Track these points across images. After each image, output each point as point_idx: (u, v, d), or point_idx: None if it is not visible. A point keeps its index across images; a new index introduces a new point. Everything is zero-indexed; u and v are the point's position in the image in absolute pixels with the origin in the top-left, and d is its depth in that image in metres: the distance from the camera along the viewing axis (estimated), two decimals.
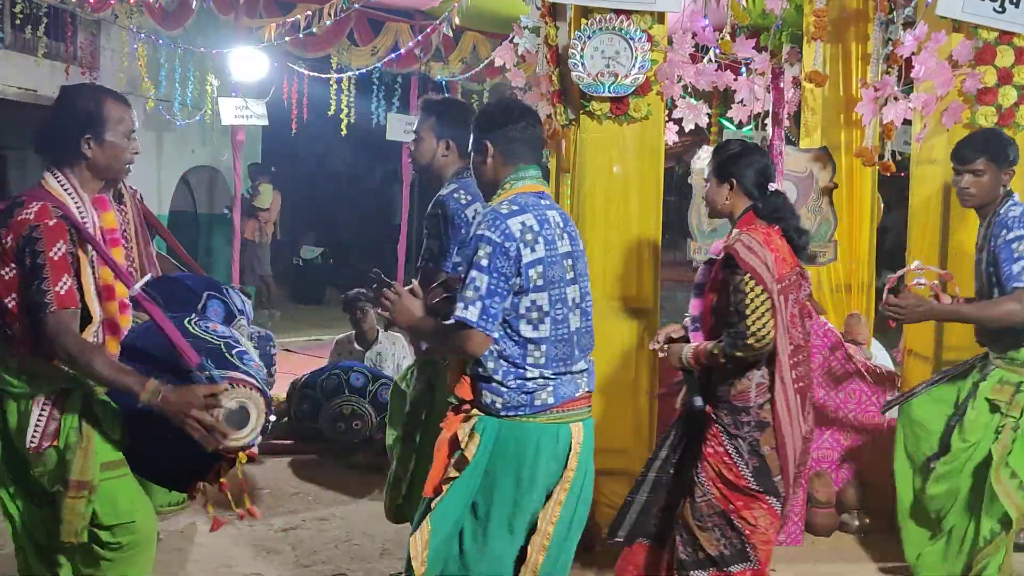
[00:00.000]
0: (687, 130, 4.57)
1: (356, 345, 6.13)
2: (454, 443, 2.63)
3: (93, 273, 2.57)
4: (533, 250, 2.57)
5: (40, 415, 2.54)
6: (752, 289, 2.98)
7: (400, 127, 10.60)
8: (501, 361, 2.59)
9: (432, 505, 2.61)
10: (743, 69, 5.15)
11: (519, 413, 2.59)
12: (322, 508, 4.78)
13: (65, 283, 2.45)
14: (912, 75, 4.20)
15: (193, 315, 2.73)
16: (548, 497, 2.66)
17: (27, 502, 2.69)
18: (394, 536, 4.36)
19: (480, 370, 2.61)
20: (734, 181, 3.20)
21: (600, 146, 4.17)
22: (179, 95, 9.79)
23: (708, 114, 4.61)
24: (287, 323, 11.06)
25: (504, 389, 2.58)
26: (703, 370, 3.18)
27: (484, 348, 2.54)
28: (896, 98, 4.20)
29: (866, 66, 4.42)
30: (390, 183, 15.04)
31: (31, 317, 2.47)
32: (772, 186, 3.26)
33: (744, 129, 6.01)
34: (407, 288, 2.74)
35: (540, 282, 2.58)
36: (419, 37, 8.73)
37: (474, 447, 2.58)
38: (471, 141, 2.79)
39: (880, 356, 4.90)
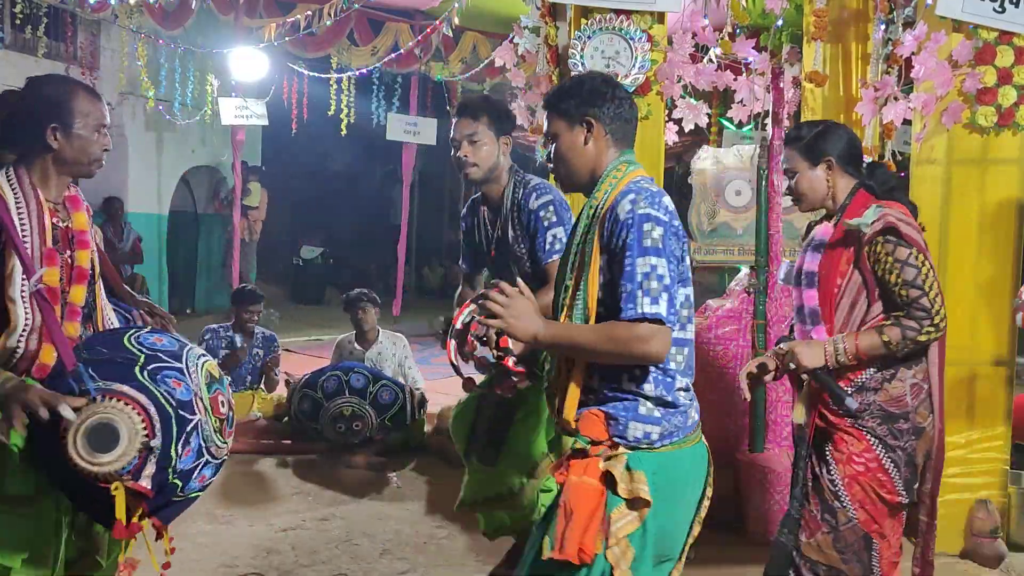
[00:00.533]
0: (687, 130, 4.57)
1: (356, 345, 6.13)
2: (610, 486, 2.12)
3: (23, 274, 2.33)
4: (680, 238, 2.19)
5: None
6: (924, 263, 2.67)
7: (400, 127, 10.62)
8: (656, 371, 2.15)
9: (619, 565, 2.09)
10: (743, 69, 5.15)
11: (674, 440, 2.16)
12: (322, 508, 4.77)
13: None
14: (912, 75, 4.20)
15: (144, 329, 2.49)
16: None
17: None
18: (394, 536, 4.37)
19: (618, 393, 2.15)
20: (831, 159, 2.86)
21: None
22: (179, 95, 9.80)
23: (708, 114, 4.61)
24: (287, 323, 11.06)
25: (658, 415, 2.14)
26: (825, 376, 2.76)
27: (667, 349, 2.09)
28: (896, 98, 4.20)
29: (866, 66, 4.42)
30: (390, 183, 15.05)
31: None
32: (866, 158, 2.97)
33: (744, 129, 6.01)
34: (515, 288, 2.16)
35: (687, 273, 2.20)
36: (419, 37, 8.74)
37: (645, 486, 2.09)
38: (559, 116, 2.30)
39: None
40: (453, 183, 16.87)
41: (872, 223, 2.72)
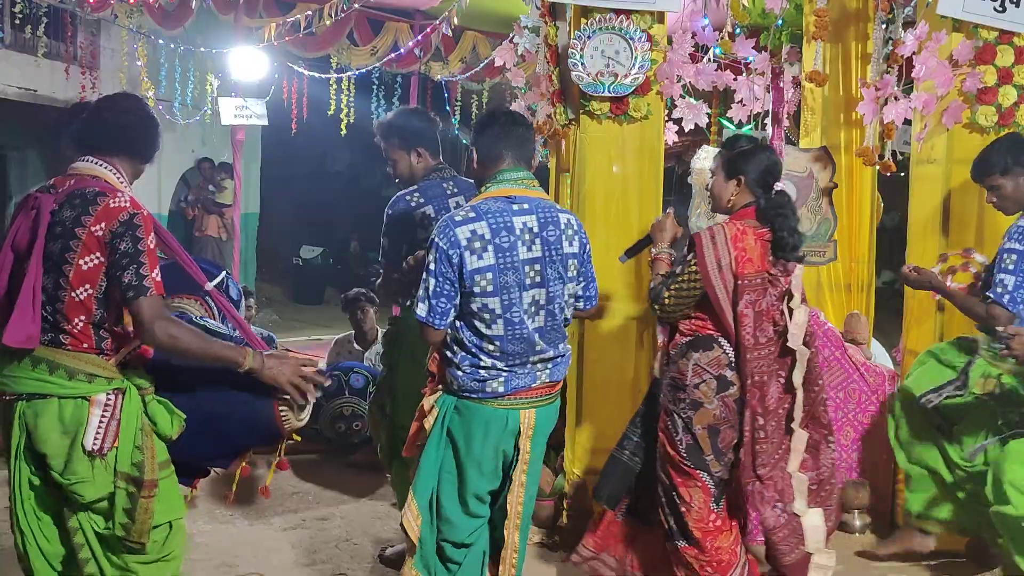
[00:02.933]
0: (687, 130, 4.56)
1: (356, 345, 6.12)
2: (421, 413, 2.93)
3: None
4: (480, 257, 2.74)
5: (103, 415, 2.50)
6: (687, 272, 3.19)
7: None
8: (457, 348, 2.82)
9: (411, 478, 2.92)
10: (743, 69, 5.15)
11: (471, 396, 2.83)
12: (322, 508, 4.77)
13: (158, 272, 2.51)
14: (912, 75, 4.20)
15: (196, 316, 2.88)
16: (509, 480, 2.92)
17: (47, 518, 2.62)
18: (394, 536, 4.36)
19: (446, 352, 2.86)
20: (742, 178, 3.26)
21: (600, 146, 4.17)
22: (179, 95, 9.80)
23: (708, 114, 4.60)
24: (287, 323, 11.06)
25: (460, 373, 2.81)
26: (664, 349, 3.44)
27: (438, 339, 2.83)
28: (896, 98, 4.19)
29: (866, 66, 4.42)
30: (390, 183, 15.00)
31: (122, 303, 2.50)
32: (778, 185, 3.32)
33: (744, 129, 6.00)
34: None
35: (489, 288, 2.75)
36: (419, 37, 8.73)
37: (431, 419, 2.87)
38: (476, 131, 2.98)
39: (880, 356, 4.90)
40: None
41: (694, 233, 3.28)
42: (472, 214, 2.78)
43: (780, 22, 4.99)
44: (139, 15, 8.61)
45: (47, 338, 2.49)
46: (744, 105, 5.02)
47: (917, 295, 4.38)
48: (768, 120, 5.67)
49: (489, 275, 2.75)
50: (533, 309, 2.83)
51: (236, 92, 9.17)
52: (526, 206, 2.83)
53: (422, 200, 3.60)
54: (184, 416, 2.64)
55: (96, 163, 2.62)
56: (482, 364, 2.81)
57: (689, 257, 3.21)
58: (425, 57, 9.47)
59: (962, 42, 4.11)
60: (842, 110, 4.72)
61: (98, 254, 2.47)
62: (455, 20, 7.33)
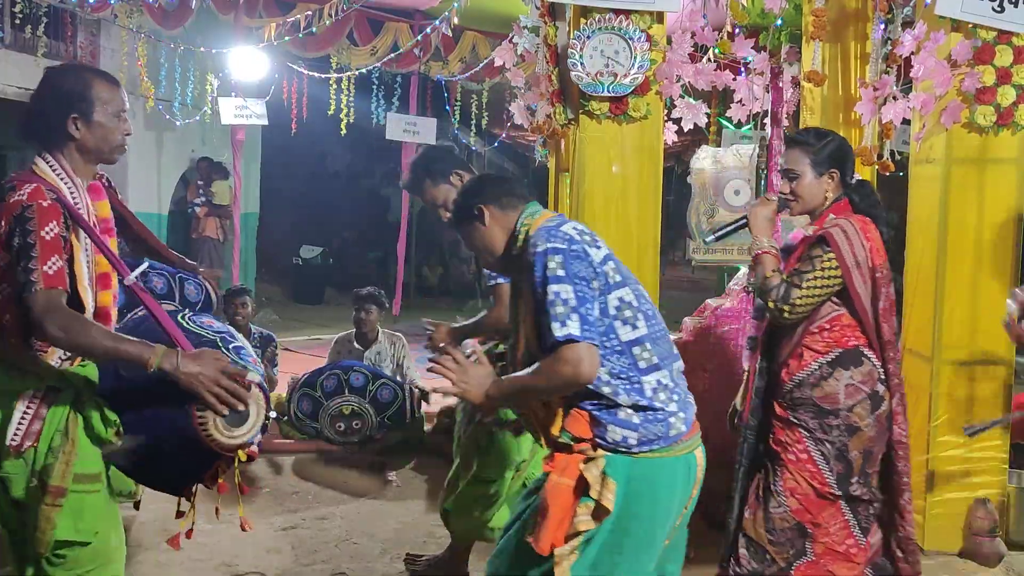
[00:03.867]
0: (686, 130, 4.57)
1: (356, 344, 6.13)
2: (582, 489, 2.25)
3: (87, 261, 2.43)
4: (597, 247, 2.32)
5: (25, 412, 2.37)
6: (825, 268, 2.91)
7: (399, 127, 10.61)
8: (615, 381, 2.26)
9: (561, 563, 2.23)
10: (742, 69, 5.16)
11: (654, 448, 2.25)
12: (322, 508, 4.78)
13: (55, 263, 2.31)
14: (911, 75, 4.20)
15: (186, 311, 2.62)
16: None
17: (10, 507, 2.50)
18: (393, 536, 4.37)
19: (597, 402, 2.27)
20: (836, 172, 3.05)
21: (599, 146, 4.18)
22: (179, 95, 9.79)
23: (707, 114, 4.61)
24: (287, 323, 11.06)
25: (637, 421, 2.24)
26: (768, 371, 3.05)
27: (597, 365, 2.21)
28: (895, 98, 4.20)
29: (865, 66, 4.42)
30: (390, 183, 15.05)
31: (19, 301, 2.31)
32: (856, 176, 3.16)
33: (743, 129, 6.01)
34: (469, 356, 2.41)
35: (618, 277, 2.32)
36: (419, 37, 8.74)
37: (612, 495, 2.22)
38: (457, 218, 2.53)
39: None
40: None
41: (816, 230, 2.99)
42: (557, 218, 2.39)
43: (779, 22, 4.99)
44: (139, 15, 8.61)
45: None
46: (743, 105, 5.02)
47: (917, 294, 4.38)
48: (767, 120, 5.67)
49: (612, 264, 2.31)
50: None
51: (236, 92, 9.18)
52: None
53: None
54: (117, 421, 2.41)
55: (41, 154, 2.49)
56: (646, 388, 2.26)
57: (819, 253, 2.93)
58: (425, 57, 9.48)
59: (961, 42, 4.11)
60: (841, 110, 4.72)
61: (3, 252, 2.36)
62: (455, 20, 7.34)
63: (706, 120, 4.63)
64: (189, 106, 10.11)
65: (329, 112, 9.83)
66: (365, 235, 16.06)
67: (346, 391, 5.43)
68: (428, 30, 8.14)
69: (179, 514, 2.68)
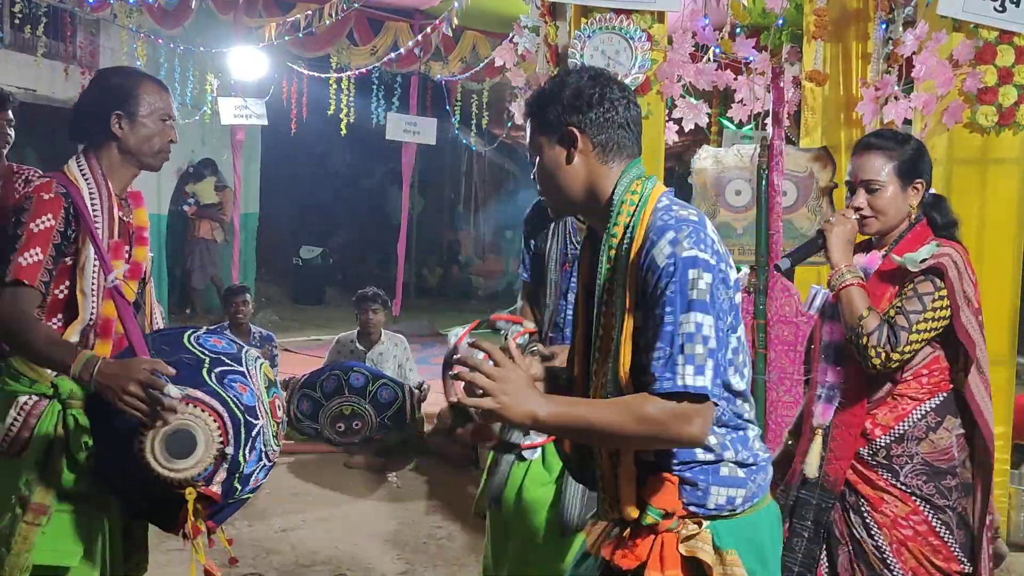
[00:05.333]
0: (687, 130, 4.56)
1: (358, 344, 6.12)
2: (695, 571, 1.73)
3: (95, 269, 2.34)
4: (732, 267, 1.77)
5: (16, 418, 2.28)
6: (937, 310, 2.43)
7: (400, 127, 10.61)
8: (720, 430, 1.77)
9: None
10: (743, 68, 5.15)
11: (755, 502, 1.80)
12: (322, 508, 4.77)
13: (33, 254, 2.23)
14: (912, 74, 4.19)
15: (200, 329, 2.45)
16: None
17: None
18: (393, 536, 4.36)
19: (691, 461, 1.76)
20: (921, 182, 2.55)
21: None
22: (179, 95, 9.78)
23: (708, 114, 4.60)
24: (287, 323, 11.05)
25: (743, 475, 1.78)
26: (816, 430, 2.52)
27: (709, 428, 1.69)
28: (896, 97, 4.19)
29: (866, 65, 4.42)
30: (390, 183, 15.04)
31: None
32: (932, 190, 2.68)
33: (744, 129, 6.00)
34: (501, 349, 1.72)
35: (738, 316, 1.79)
36: (419, 36, 8.73)
37: (740, 566, 1.74)
38: (538, 130, 1.85)
39: None
40: (453, 183, 16.87)
41: (922, 261, 2.45)
42: (694, 210, 1.78)
43: (780, 22, 4.98)
44: (139, 15, 8.60)
45: None
46: (744, 105, 5.01)
47: None
48: (768, 120, 5.65)
49: (736, 295, 1.76)
50: None
51: (236, 92, 9.18)
52: None
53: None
54: (90, 441, 2.26)
55: (76, 155, 2.46)
56: (752, 437, 1.83)
57: (930, 290, 2.43)
58: (425, 57, 9.47)
59: (962, 42, 4.11)
60: (842, 110, 4.72)
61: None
62: (455, 20, 7.33)
63: (707, 120, 4.63)
64: (189, 106, 10.10)
65: (329, 112, 9.82)
66: (365, 235, 16.06)
67: (346, 392, 5.43)
68: (428, 30, 8.13)
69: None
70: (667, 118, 4.50)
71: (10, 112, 3.44)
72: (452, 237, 16.64)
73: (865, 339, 2.40)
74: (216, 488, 2.18)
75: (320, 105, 9.94)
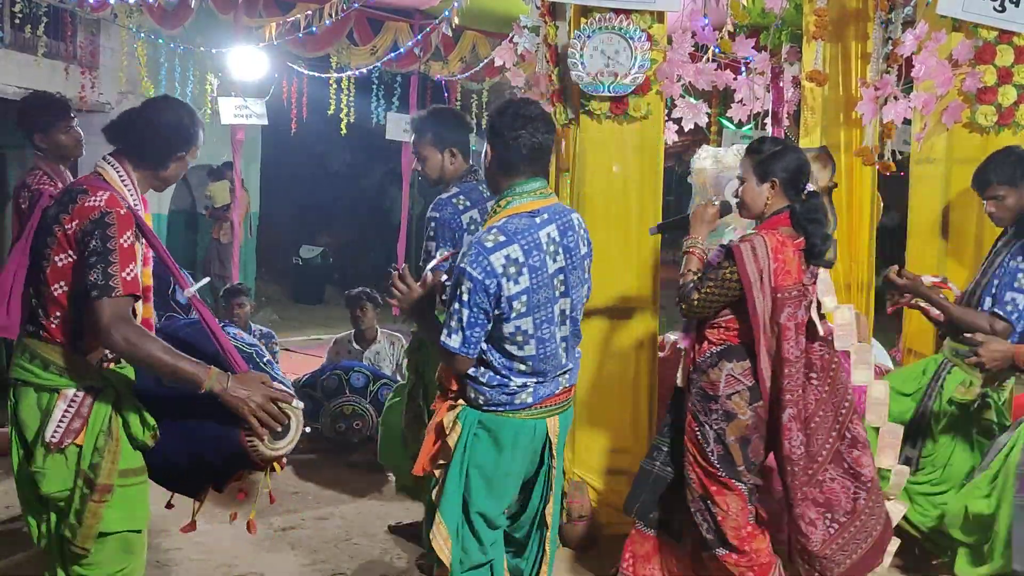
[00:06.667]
0: (686, 129, 4.57)
1: (355, 344, 6.13)
2: (440, 430, 2.76)
3: (140, 273, 2.54)
4: (516, 282, 2.61)
5: (67, 411, 2.47)
6: (724, 281, 3.12)
7: (400, 126, 10.60)
8: (483, 369, 2.70)
9: (435, 500, 2.75)
10: (743, 68, 5.15)
11: (499, 409, 2.71)
12: (322, 508, 4.77)
13: (132, 271, 2.42)
14: (912, 74, 4.20)
15: (223, 324, 2.70)
16: (531, 489, 2.86)
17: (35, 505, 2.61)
18: (393, 536, 4.36)
19: (469, 371, 2.72)
20: (776, 181, 3.17)
21: (599, 145, 4.17)
22: (179, 94, 9.78)
23: (708, 113, 4.61)
24: (287, 323, 11.05)
25: (486, 388, 2.70)
26: (688, 358, 3.33)
27: (468, 366, 2.69)
28: (896, 97, 4.20)
29: (866, 65, 4.42)
30: (390, 183, 15.03)
31: (86, 303, 2.40)
32: (809, 186, 3.25)
33: (744, 128, 6.00)
34: (419, 283, 2.78)
35: (523, 310, 2.64)
36: (419, 36, 8.74)
37: (455, 436, 2.71)
38: (489, 132, 2.77)
39: (880, 356, 4.89)
40: None
41: (729, 241, 3.20)
42: (502, 237, 2.61)
43: (780, 22, 4.99)
44: (139, 15, 8.60)
45: (32, 328, 2.52)
46: (744, 105, 5.01)
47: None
48: (768, 120, 5.66)
49: (524, 297, 2.63)
50: (559, 320, 2.74)
51: (236, 92, 9.17)
52: (546, 216, 2.70)
53: (468, 203, 3.49)
54: (155, 425, 2.55)
55: (108, 160, 2.60)
56: (511, 383, 2.71)
57: (726, 264, 3.13)
58: (425, 57, 9.47)
59: (962, 42, 4.11)
60: (842, 110, 4.72)
61: (71, 251, 2.45)
62: (455, 20, 7.33)
63: (707, 120, 4.64)
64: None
65: (329, 112, 9.82)
66: (365, 235, 16.05)
67: (347, 391, 5.43)
68: (428, 30, 8.14)
69: (169, 505, 2.85)
70: (667, 118, 4.51)
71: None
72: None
73: (679, 290, 3.22)
74: (284, 460, 2.64)
75: (320, 105, 9.94)
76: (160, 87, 9.45)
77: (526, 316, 2.65)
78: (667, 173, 4.64)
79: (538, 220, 2.68)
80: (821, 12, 4.34)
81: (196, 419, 2.52)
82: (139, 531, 2.59)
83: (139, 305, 2.56)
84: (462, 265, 2.60)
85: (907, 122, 4.43)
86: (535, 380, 2.73)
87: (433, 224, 3.47)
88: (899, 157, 4.81)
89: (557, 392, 2.80)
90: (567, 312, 2.77)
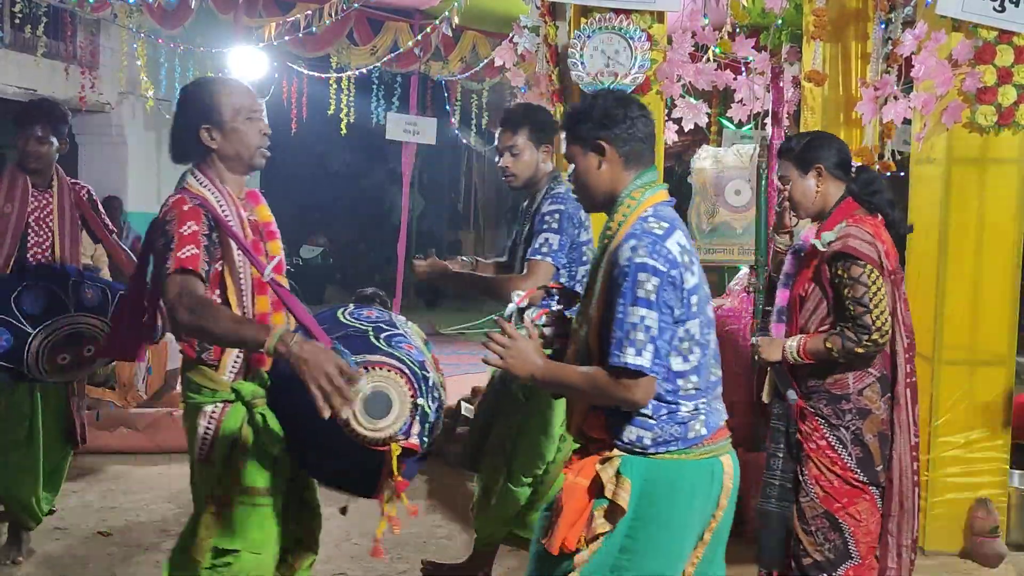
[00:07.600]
0: (686, 129, 4.57)
1: None
2: (593, 491, 2.20)
3: (242, 270, 2.50)
4: (693, 273, 2.19)
5: (208, 427, 2.48)
6: (875, 282, 2.89)
7: (400, 127, 10.60)
8: (652, 401, 2.18)
9: (578, 567, 2.19)
10: (743, 68, 5.15)
11: (671, 449, 2.19)
12: (322, 507, 4.77)
13: (189, 250, 2.33)
14: (912, 74, 4.20)
15: (350, 306, 2.67)
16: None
17: None
18: (393, 536, 4.35)
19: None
20: (820, 167, 3.07)
21: None
22: (179, 94, 9.79)
23: (707, 113, 4.61)
24: None
25: (652, 422, 2.18)
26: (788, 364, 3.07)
27: (652, 395, 2.15)
28: (896, 97, 4.19)
29: (866, 65, 4.42)
30: (390, 183, 15.05)
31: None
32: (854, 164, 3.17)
33: (744, 128, 6.01)
34: (520, 329, 2.29)
35: (695, 308, 2.20)
36: (419, 36, 8.73)
37: (626, 494, 2.15)
38: (573, 141, 2.33)
39: None
40: (452, 183, 16.87)
41: (829, 243, 2.97)
42: (665, 224, 2.19)
43: (780, 22, 4.99)
44: (139, 15, 8.60)
45: (179, 348, 2.56)
46: (744, 105, 5.02)
47: (918, 294, 4.38)
48: (768, 120, 5.66)
49: (700, 292, 2.21)
50: (711, 322, 2.30)
51: None
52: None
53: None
54: (281, 437, 2.46)
55: (190, 171, 2.61)
56: (681, 408, 2.20)
57: (856, 270, 2.90)
58: (425, 57, 9.47)
59: (961, 41, 4.11)
60: (841, 109, 4.72)
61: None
62: (455, 20, 7.34)
63: (707, 120, 4.64)
64: None
65: (329, 112, 9.82)
66: (365, 235, 16.06)
67: None
68: (428, 30, 8.14)
69: (343, 511, 2.87)
70: (667, 118, 4.51)
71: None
72: (452, 237, 16.64)
73: (851, 350, 2.90)
74: (415, 440, 2.40)
75: (320, 105, 9.94)
76: (160, 87, 9.45)
77: (696, 317, 2.20)
78: (667, 173, 4.64)
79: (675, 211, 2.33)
80: (820, 12, 4.34)
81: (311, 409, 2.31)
82: (257, 554, 2.52)
83: (246, 303, 2.50)
84: (638, 260, 2.10)
85: (907, 122, 4.43)
86: (703, 402, 2.23)
87: (557, 215, 3.27)
88: (899, 157, 4.81)
89: (722, 423, 2.29)
90: (711, 316, 2.31)
